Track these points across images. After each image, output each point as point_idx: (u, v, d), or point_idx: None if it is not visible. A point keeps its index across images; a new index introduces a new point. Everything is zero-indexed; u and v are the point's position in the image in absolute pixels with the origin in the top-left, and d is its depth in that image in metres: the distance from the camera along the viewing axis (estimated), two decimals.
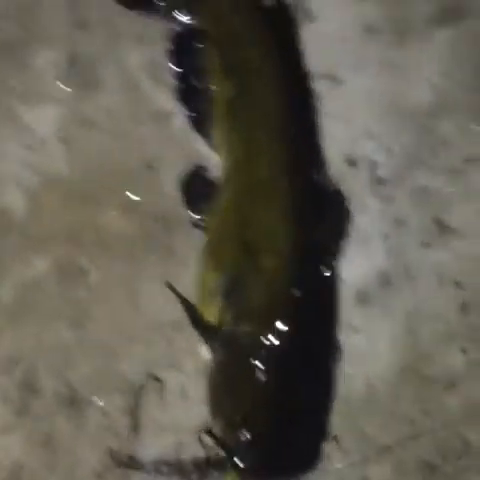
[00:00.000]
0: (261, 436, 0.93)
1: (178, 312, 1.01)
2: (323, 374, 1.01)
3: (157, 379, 1.01)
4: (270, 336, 0.95)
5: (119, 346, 1.00)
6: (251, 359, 0.94)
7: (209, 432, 0.91)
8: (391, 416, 1.08)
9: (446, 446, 1.07)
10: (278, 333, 0.95)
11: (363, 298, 1.11)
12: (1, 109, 0.98)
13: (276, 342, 0.95)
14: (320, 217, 1.02)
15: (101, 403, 0.98)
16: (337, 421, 1.06)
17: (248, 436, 0.91)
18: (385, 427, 1.08)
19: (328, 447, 1.00)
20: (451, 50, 1.14)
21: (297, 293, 0.97)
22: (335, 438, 1.01)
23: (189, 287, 1.01)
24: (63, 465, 0.98)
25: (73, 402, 0.97)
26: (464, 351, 1.09)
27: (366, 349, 1.09)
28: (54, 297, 0.98)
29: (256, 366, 0.94)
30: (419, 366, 1.09)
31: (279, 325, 0.95)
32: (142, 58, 1.09)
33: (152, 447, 0.99)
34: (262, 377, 0.93)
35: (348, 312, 1.09)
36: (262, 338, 0.94)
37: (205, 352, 0.97)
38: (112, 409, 1.00)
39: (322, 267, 1.03)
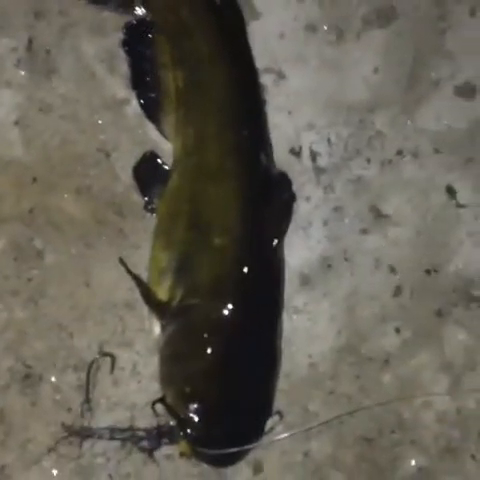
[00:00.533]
0: (210, 407, 0.97)
1: (130, 292, 1.04)
2: (268, 349, 1.05)
3: (109, 356, 1.04)
4: (218, 311, 0.98)
5: (72, 324, 1.03)
6: (200, 333, 0.97)
7: (161, 401, 0.94)
8: (331, 393, 1.14)
9: (382, 421, 1.13)
10: (226, 308, 0.99)
11: (305, 281, 1.16)
12: None
13: (224, 316, 0.99)
14: (267, 199, 1.06)
15: (54, 379, 1.00)
16: (282, 397, 1.11)
17: (197, 407, 0.95)
18: (326, 403, 1.14)
19: (273, 421, 1.04)
20: (385, 49, 1.20)
21: (245, 270, 1.01)
22: (279, 413, 1.05)
23: (141, 269, 1.04)
24: (16, 440, 0.99)
25: (27, 378, 0.99)
26: (398, 331, 1.16)
27: (308, 329, 1.15)
28: (9, 276, 1.00)
29: (205, 339, 0.97)
30: (357, 345, 1.16)
31: (227, 300, 0.99)
32: (98, 47, 1.12)
33: (104, 422, 1.01)
34: (210, 350, 0.97)
35: (291, 294, 1.14)
36: (210, 312, 0.98)
37: (156, 329, 1.00)
38: (65, 385, 1.02)
39: (269, 246, 1.07)
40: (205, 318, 0.98)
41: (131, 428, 0.98)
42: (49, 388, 1.00)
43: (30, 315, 1.00)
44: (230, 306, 0.99)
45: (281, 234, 1.08)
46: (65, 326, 1.01)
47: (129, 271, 0.98)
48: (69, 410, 1.01)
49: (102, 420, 1.01)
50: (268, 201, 1.06)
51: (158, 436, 0.95)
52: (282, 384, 1.11)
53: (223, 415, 0.98)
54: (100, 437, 0.95)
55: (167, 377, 0.97)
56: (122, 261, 0.98)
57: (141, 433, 0.96)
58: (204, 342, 0.97)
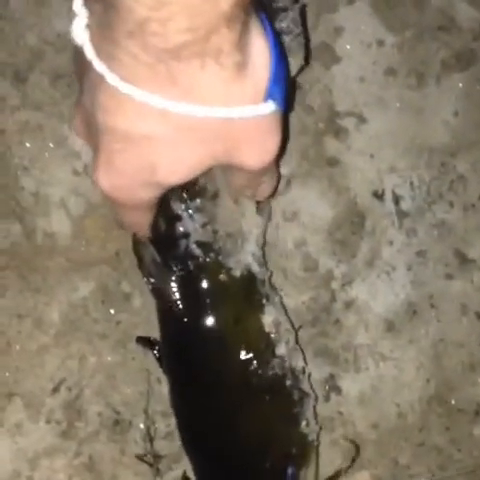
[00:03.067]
0: None
1: None
2: None
3: None
4: None
5: (159, 369, 1.00)
6: None
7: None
8: (421, 445, 1.10)
9: (475, 476, 1.08)
10: None
11: (390, 327, 1.13)
12: (55, 135, 1.00)
13: None
14: None
15: (143, 426, 0.97)
16: (370, 448, 1.07)
17: None
18: (416, 456, 1.09)
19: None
20: (465, 92, 1.20)
21: None
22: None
23: None
24: None
25: (116, 424, 0.96)
26: None
27: (395, 377, 1.12)
28: (98, 320, 0.98)
29: None
30: (446, 395, 1.11)
31: None
32: None
33: None
34: None
35: (376, 340, 1.12)
36: None
37: None
38: (153, 432, 0.99)
39: None
40: None
41: None
42: (138, 435, 0.97)
43: (119, 359, 0.97)
44: None
45: None
46: (153, 371, 0.99)
47: None
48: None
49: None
50: None
51: None
52: (370, 434, 1.06)
53: None
54: None
55: None
56: None
57: None
58: None
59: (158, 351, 0.94)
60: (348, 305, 1.13)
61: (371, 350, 1.12)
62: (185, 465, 0.98)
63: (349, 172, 1.16)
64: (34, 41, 1.01)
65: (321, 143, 1.16)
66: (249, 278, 0.90)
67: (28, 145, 0.98)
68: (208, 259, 0.87)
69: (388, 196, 1.17)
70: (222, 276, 0.88)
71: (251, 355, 0.88)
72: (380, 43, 1.21)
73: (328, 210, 1.14)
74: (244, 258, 0.90)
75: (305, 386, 0.96)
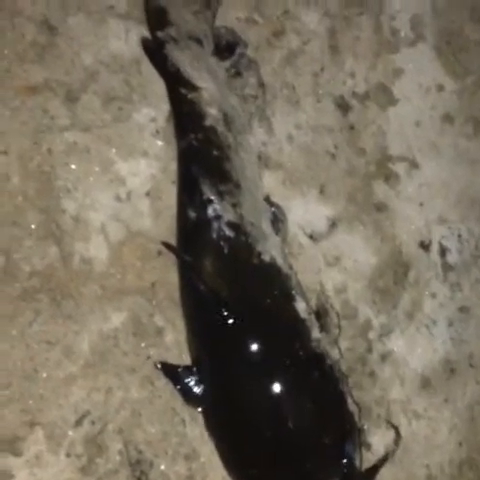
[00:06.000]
0: None
1: None
2: None
3: None
4: None
5: (186, 410, 0.96)
6: None
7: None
8: None
9: None
10: None
11: (426, 384, 1.09)
12: (102, 159, 0.97)
13: None
14: None
15: (163, 467, 0.94)
16: None
17: None
18: None
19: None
20: None
21: None
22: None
23: None
24: None
25: (137, 464, 0.92)
26: None
27: (427, 437, 1.08)
28: (128, 353, 0.95)
29: None
30: (478, 460, 1.08)
31: None
32: None
33: None
34: None
35: (410, 396, 1.08)
36: None
37: None
38: (174, 475, 0.95)
39: None
40: None
41: None
42: (157, 475, 0.93)
43: (146, 396, 0.94)
44: None
45: None
46: (178, 411, 0.95)
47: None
48: None
49: None
50: None
51: None
52: None
53: None
54: None
55: None
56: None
57: None
58: None
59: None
60: (384, 357, 1.09)
61: (404, 407, 1.08)
62: None
63: (396, 219, 1.12)
64: (89, 61, 0.99)
65: (370, 187, 1.12)
66: (277, 268, 0.94)
67: (73, 167, 0.96)
68: (239, 241, 0.91)
69: (435, 247, 1.13)
70: (255, 259, 0.92)
71: (294, 335, 0.92)
72: (440, 88, 1.17)
73: (371, 257, 1.10)
74: (269, 248, 0.94)
75: (341, 368, 0.97)
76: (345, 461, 0.90)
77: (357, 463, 0.93)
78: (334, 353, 0.96)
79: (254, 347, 0.90)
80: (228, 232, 0.92)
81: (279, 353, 0.91)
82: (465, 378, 1.09)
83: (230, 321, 0.89)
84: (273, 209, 1.00)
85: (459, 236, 1.13)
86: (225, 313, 0.89)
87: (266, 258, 0.94)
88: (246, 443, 0.91)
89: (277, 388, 0.89)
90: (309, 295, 1.01)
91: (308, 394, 0.91)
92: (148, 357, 0.96)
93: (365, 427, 1.04)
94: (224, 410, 0.92)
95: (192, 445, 0.96)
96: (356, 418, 0.95)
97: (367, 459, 1.03)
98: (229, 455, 0.93)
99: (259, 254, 0.93)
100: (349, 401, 0.94)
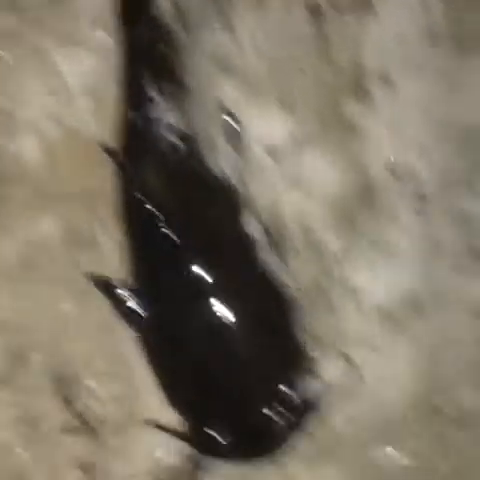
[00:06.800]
0: None
1: None
2: None
3: None
4: None
5: (121, 328, 0.92)
6: None
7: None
8: (402, 449, 1.00)
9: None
10: None
11: (387, 316, 1.03)
12: (32, 49, 0.90)
13: None
14: None
15: (93, 386, 0.89)
16: (346, 446, 0.99)
17: None
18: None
19: None
20: None
21: None
22: None
23: None
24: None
25: (63, 380, 0.88)
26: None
27: (384, 370, 1.02)
28: (59, 263, 0.90)
29: None
30: (434, 398, 1.02)
31: None
32: None
33: None
34: None
35: (370, 329, 1.02)
36: None
37: None
38: (105, 394, 0.90)
39: None
40: None
41: None
42: (88, 396, 0.88)
43: (78, 310, 0.90)
44: None
45: None
46: (113, 329, 0.90)
47: None
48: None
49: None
50: None
51: None
52: (346, 427, 0.98)
53: None
54: None
55: None
56: None
57: None
58: None
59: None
60: (344, 286, 1.03)
61: (362, 339, 1.02)
62: (132, 434, 0.89)
63: (366, 141, 1.04)
64: None
65: (340, 105, 1.04)
66: (227, 183, 0.89)
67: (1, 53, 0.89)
68: (184, 149, 0.86)
69: (406, 173, 1.05)
70: (202, 171, 0.87)
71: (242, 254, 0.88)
72: (424, 3, 1.08)
73: (336, 180, 1.03)
74: (219, 160, 0.89)
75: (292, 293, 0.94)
76: (290, 389, 0.86)
77: (303, 391, 0.89)
78: (285, 277, 0.90)
79: (197, 266, 0.86)
80: (171, 138, 0.86)
81: (224, 272, 0.87)
82: (429, 313, 1.03)
83: (171, 238, 0.84)
84: (227, 118, 0.93)
85: (432, 163, 1.05)
86: (166, 228, 0.83)
87: (215, 171, 0.88)
88: (185, 367, 0.88)
89: (219, 310, 0.85)
90: (265, 216, 0.96)
91: (252, 317, 0.88)
92: (82, 269, 0.91)
93: (317, 357, 0.98)
94: (163, 331, 0.88)
95: (127, 364, 0.91)
96: (305, 346, 0.91)
97: (316, 389, 0.99)
98: (166, 379, 0.89)
99: (207, 166, 0.87)
100: (298, 328, 0.89)
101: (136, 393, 0.92)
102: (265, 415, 0.86)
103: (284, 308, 0.89)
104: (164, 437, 0.91)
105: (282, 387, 0.86)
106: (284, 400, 0.86)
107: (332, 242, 1.03)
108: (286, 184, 1.01)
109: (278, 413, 0.86)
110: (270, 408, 0.86)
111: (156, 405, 0.91)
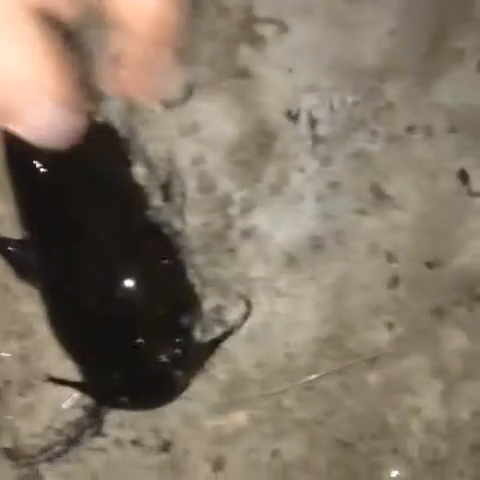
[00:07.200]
0: None
1: None
2: None
3: None
4: None
5: (20, 286, 0.91)
6: None
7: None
8: (309, 389, 1.02)
9: (363, 424, 1.02)
10: None
11: (291, 261, 1.04)
12: None
13: None
14: None
15: None
16: (252, 388, 1.00)
17: None
18: (302, 400, 1.02)
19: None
20: (404, 10, 1.07)
21: None
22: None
23: None
24: None
25: None
26: (390, 326, 1.04)
27: (289, 315, 1.03)
28: None
29: None
30: (342, 338, 1.04)
31: None
32: None
33: None
34: None
35: (274, 274, 1.03)
36: None
37: None
38: (6, 352, 0.90)
39: None
40: None
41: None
42: None
43: None
44: None
45: None
46: (11, 288, 0.89)
47: None
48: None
49: None
50: None
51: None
52: (253, 373, 0.98)
53: None
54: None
55: None
56: None
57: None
58: None
59: None
60: (246, 234, 1.03)
61: (267, 284, 1.03)
62: (37, 392, 0.89)
63: (262, 86, 1.04)
64: None
65: (233, 51, 1.03)
66: (112, 130, 0.86)
67: None
68: None
69: (304, 118, 1.06)
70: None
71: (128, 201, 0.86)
72: None
73: (233, 127, 1.03)
74: (103, 107, 0.85)
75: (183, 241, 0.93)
76: (181, 334, 0.85)
77: (196, 336, 0.88)
78: (177, 223, 0.89)
79: (81, 214, 0.84)
80: None
81: (112, 221, 0.85)
82: (332, 255, 1.04)
83: (54, 187, 0.82)
84: None
85: (330, 106, 1.06)
86: (47, 179, 0.81)
87: (99, 120, 0.85)
88: (79, 320, 0.86)
89: (107, 258, 0.83)
90: (157, 164, 0.94)
91: (140, 264, 0.86)
92: None
93: (220, 302, 0.98)
94: (55, 284, 0.86)
95: (27, 322, 0.90)
96: (197, 290, 0.90)
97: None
98: (63, 333, 0.88)
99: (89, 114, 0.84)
100: (189, 273, 0.88)
101: (38, 350, 0.91)
102: (162, 362, 0.85)
103: (176, 254, 0.88)
104: (68, 392, 0.91)
105: (178, 333, 0.86)
106: (180, 346, 0.86)
107: (231, 189, 1.02)
108: (181, 133, 0.99)
109: (175, 359, 0.85)
110: (166, 355, 0.85)
111: (58, 360, 0.90)
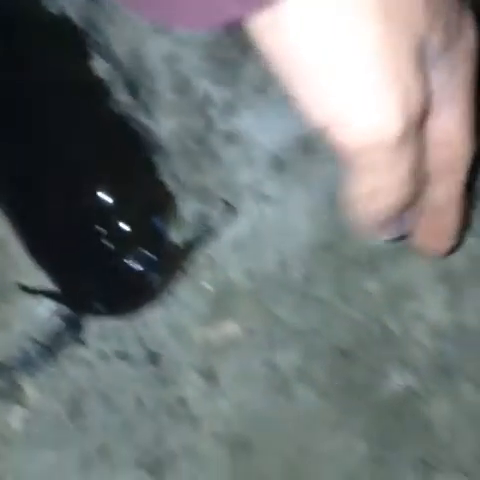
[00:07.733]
0: None
1: None
2: None
3: None
4: None
5: None
6: None
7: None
8: (304, 298, 0.97)
9: (362, 332, 0.96)
10: None
11: (279, 165, 0.98)
12: None
13: None
14: None
15: None
16: (244, 299, 0.95)
17: None
18: (297, 310, 0.97)
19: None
20: None
21: None
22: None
23: None
24: None
25: None
26: None
27: (280, 222, 0.98)
28: None
29: None
30: (339, 245, 0.98)
31: None
32: None
33: None
34: None
35: (262, 180, 0.97)
36: None
37: None
38: None
39: None
40: None
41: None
42: None
43: None
44: None
45: None
46: None
47: None
48: None
49: None
50: None
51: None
52: (244, 283, 0.93)
53: None
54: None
55: None
56: None
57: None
58: None
59: None
60: (229, 137, 0.98)
61: (254, 190, 0.98)
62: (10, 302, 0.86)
63: None
64: None
65: None
66: (69, 23, 0.82)
67: None
68: None
69: None
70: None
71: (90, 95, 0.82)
72: None
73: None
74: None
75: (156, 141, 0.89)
76: (154, 235, 0.81)
77: (168, 237, 0.85)
78: (146, 121, 0.84)
79: (39, 110, 0.80)
80: None
81: (74, 116, 0.82)
82: (323, 157, 0.97)
83: (17, 100, 0.78)
84: None
85: None
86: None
87: (53, 12, 0.80)
88: (45, 226, 0.84)
89: (75, 159, 0.80)
90: (125, 62, 0.90)
91: (113, 164, 0.83)
92: None
93: (204, 209, 0.94)
94: (20, 191, 0.85)
95: None
96: (173, 193, 0.86)
97: (208, 245, 0.95)
98: (32, 242, 0.86)
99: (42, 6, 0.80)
100: (163, 174, 0.84)
101: (10, 261, 0.88)
102: (134, 265, 0.82)
103: (146, 151, 0.83)
104: (44, 303, 0.88)
105: (149, 234, 0.82)
106: (153, 247, 0.82)
107: (209, 89, 0.97)
108: (150, 30, 0.94)
109: (147, 262, 0.82)
110: (138, 257, 0.82)
111: (30, 270, 0.87)
